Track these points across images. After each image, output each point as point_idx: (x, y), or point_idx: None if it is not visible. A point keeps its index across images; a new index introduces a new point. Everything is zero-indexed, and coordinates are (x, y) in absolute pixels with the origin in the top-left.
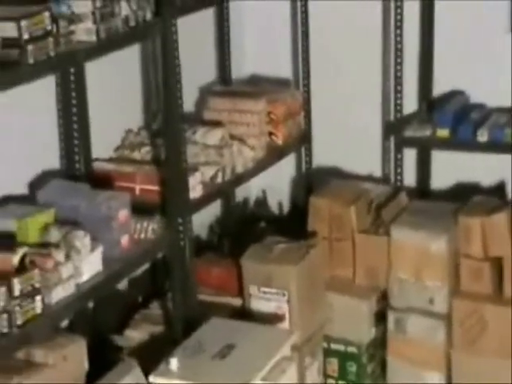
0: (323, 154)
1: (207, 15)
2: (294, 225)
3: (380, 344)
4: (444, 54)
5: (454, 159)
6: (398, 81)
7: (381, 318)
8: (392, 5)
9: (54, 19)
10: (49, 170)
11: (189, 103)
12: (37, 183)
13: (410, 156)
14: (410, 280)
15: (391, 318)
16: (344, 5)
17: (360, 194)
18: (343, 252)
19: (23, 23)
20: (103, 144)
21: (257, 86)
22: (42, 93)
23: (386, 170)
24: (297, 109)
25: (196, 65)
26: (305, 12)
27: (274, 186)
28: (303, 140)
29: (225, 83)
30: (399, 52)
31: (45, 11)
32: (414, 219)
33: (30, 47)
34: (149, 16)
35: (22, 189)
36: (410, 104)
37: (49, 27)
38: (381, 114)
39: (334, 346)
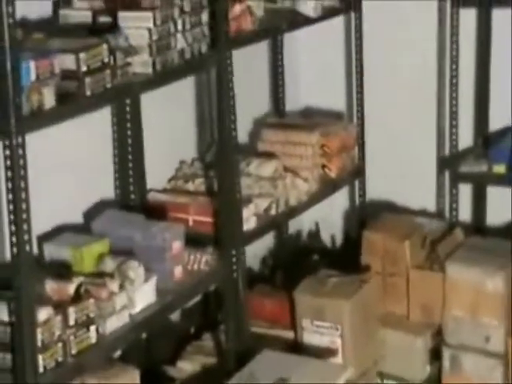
0: (377, 188)
1: (262, 47)
2: (347, 258)
3: (435, 382)
4: (500, 89)
5: (511, 195)
6: (454, 115)
7: (436, 355)
8: (447, 40)
9: (112, 51)
10: (104, 200)
11: (243, 134)
12: (92, 213)
13: (465, 191)
14: (466, 317)
15: (446, 355)
16: (399, 39)
17: (414, 229)
18: (397, 287)
19: (82, 56)
20: (157, 175)
21: (310, 118)
22: (99, 123)
23: (440, 204)
24: (350, 142)
25: (250, 96)
26: (359, 45)
27: (327, 218)
28: (357, 173)
29: (279, 115)
30: (454, 87)
31: (103, 44)
32: (469, 256)
33: (87, 79)
34: (204, 48)
35: (77, 218)
36: (466, 139)
37: (106, 59)
38: (436, 148)
39: (387, 383)
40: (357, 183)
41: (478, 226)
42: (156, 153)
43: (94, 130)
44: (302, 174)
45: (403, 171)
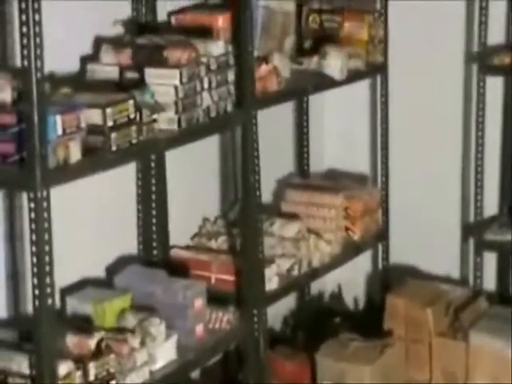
0: (400, 252)
1: (287, 107)
2: (369, 322)
3: None
4: None
5: None
6: (479, 182)
7: None
8: (473, 105)
9: (138, 107)
10: (127, 255)
11: (266, 194)
12: (114, 267)
13: (489, 258)
14: None
15: None
16: (424, 103)
17: (438, 296)
18: (420, 354)
19: (108, 111)
20: (180, 231)
21: (334, 180)
22: (123, 178)
23: (464, 271)
24: (374, 205)
25: (274, 156)
26: (385, 109)
27: (350, 281)
28: (380, 237)
29: (302, 176)
30: (480, 153)
31: (129, 99)
32: (493, 325)
33: (113, 134)
34: (230, 107)
35: (100, 272)
36: (491, 206)
37: (132, 115)
38: (460, 214)
39: None
40: (380, 247)
41: (502, 295)
42: (179, 209)
43: (119, 185)
44: (325, 236)
45: (427, 236)
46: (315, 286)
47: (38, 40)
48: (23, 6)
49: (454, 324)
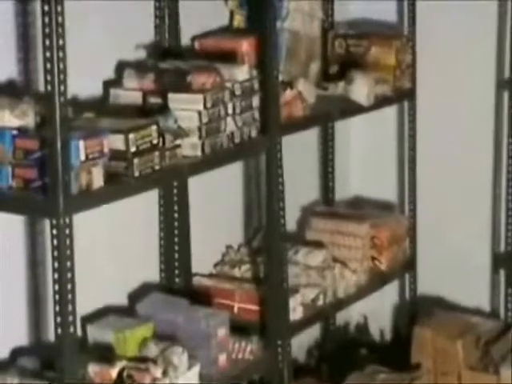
0: (428, 282)
1: (312, 133)
2: (396, 354)
3: None
4: None
5: None
6: (510, 211)
7: None
8: (504, 133)
9: (161, 133)
10: (149, 283)
11: (291, 222)
12: (136, 295)
13: None
14: None
15: None
16: (453, 131)
17: (467, 328)
18: None
19: (131, 136)
20: (203, 259)
21: (360, 208)
22: (145, 204)
23: (495, 304)
24: (402, 234)
25: (299, 183)
26: (412, 135)
27: (376, 312)
28: (408, 266)
29: (328, 204)
30: (511, 181)
31: (152, 125)
32: None
33: (136, 160)
34: (254, 133)
35: (121, 300)
36: None
37: (155, 141)
38: (490, 244)
39: None
40: (407, 276)
41: None
42: (202, 237)
43: (141, 211)
44: (350, 265)
45: (456, 266)
46: (340, 317)
47: (61, 65)
48: (47, 30)
49: (485, 357)
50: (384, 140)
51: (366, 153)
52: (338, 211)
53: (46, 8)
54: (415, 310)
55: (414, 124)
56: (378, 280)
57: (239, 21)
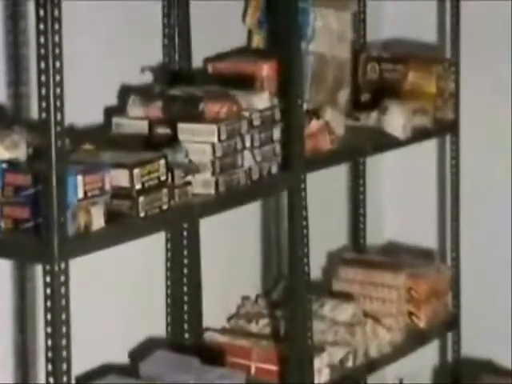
0: (473, 343)
1: (341, 170)
2: None
3: None
4: None
5: None
6: None
7: None
8: None
9: (170, 168)
10: (154, 338)
11: (315, 270)
12: (139, 352)
13: None
14: None
15: None
16: (500, 167)
17: None
18: None
19: (136, 172)
20: (216, 312)
21: (395, 255)
22: (151, 248)
23: None
24: (443, 286)
25: (325, 226)
26: (455, 173)
27: (414, 375)
28: (450, 324)
29: (358, 250)
30: None
31: (160, 159)
32: None
33: (141, 199)
34: (275, 169)
35: (122, 357)
36: None
37: (163, 177)
38: None
39: None
40: (450, 336)
41: None
42: (215, 286)
43: (146, 256)
44: (384, 322)
45: (504, 324)
46: (373, 381)
47: (58, 90)
48: (42, 51)
49: None
50: (422, 178)
51: (401, 192)
52: (370, 259)
53: (42, 26)
54: (458, 375)
55: (457, 160)
56: (415, 339)
57: (258, 41)
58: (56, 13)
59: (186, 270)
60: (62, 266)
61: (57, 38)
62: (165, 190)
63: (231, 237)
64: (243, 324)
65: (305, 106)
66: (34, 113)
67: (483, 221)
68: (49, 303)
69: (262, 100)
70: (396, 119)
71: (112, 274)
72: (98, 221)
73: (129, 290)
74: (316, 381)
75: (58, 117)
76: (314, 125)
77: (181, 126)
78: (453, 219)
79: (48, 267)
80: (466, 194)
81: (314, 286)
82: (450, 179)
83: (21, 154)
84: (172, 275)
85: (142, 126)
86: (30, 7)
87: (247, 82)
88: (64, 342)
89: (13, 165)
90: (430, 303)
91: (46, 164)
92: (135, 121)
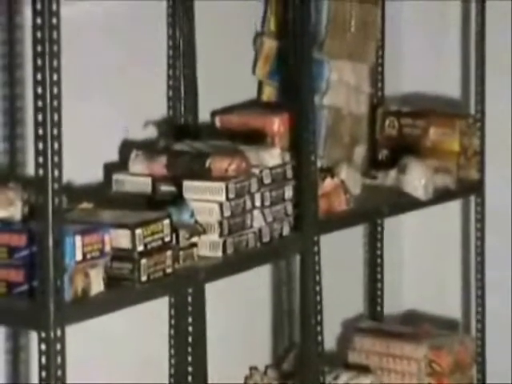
0: None
1: (357, 233)
2: None
3: None
4: None
5: None
6: None
7: None
8: None
9: (174, 229)
10: None
11: (329, 340)
12: None
13: None
14: None
15: None
16: None
17: None
18: None
19: (138, 232)
20: (222, 383)
21: (415, 325)
22: (152, 314)
23: None
24: (467, 360)
25: (340, 293)
26: (481, 238)
27: None
28: None
29: (375, 319)
30: None
31: (164, 219)
32: None
33: (143, 261)
34: (286, 230)
35: None
36: None
37: (167, 238)
38: None
39: None
40: None
41: None
42: (221, 355)
43: (148, 322)
44: None
45: None
46: None
47: (56, 145)
48: (40, 104)
49: None
50: (445, 242)
51: (422, 257)
52: (388, 328)
53: (39, 77)
54: None
55: (483, 223)
56: None
57: (269, 93)
58: (55, 63)
59: (190, 338)
60: (59, 333)
61: (55, 90)
62: (169, 253)
63: (239, 302)
64: None
65: (319, 164)
66: (31, 169)
67: (510, 288)
68: (44, 373)
69: (272, 156)
70: (416, 178)
71: (113, 342)
72: (97, 285)
73: (129, 358)
74: None
75: (56, 173)
76: (329, 183)
77: (186, 183)
78: (478, 287)
79: (43, 334)
80: (492, 259)
81: (327, 357)
82: (475, 244)
83: (16, 212)
84: (175, 343)
85: (144, 183)
86: (27, 58)
87: (257, 137)
88: None
89: (7, 224)
90: (453, 377)
91: (42, 223)
92: (137, 177)
